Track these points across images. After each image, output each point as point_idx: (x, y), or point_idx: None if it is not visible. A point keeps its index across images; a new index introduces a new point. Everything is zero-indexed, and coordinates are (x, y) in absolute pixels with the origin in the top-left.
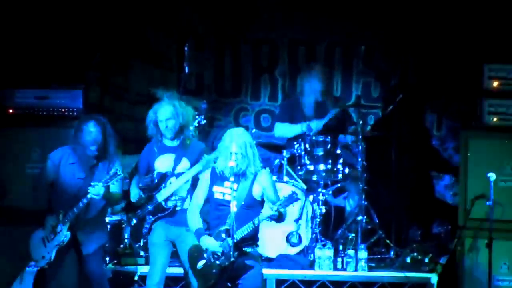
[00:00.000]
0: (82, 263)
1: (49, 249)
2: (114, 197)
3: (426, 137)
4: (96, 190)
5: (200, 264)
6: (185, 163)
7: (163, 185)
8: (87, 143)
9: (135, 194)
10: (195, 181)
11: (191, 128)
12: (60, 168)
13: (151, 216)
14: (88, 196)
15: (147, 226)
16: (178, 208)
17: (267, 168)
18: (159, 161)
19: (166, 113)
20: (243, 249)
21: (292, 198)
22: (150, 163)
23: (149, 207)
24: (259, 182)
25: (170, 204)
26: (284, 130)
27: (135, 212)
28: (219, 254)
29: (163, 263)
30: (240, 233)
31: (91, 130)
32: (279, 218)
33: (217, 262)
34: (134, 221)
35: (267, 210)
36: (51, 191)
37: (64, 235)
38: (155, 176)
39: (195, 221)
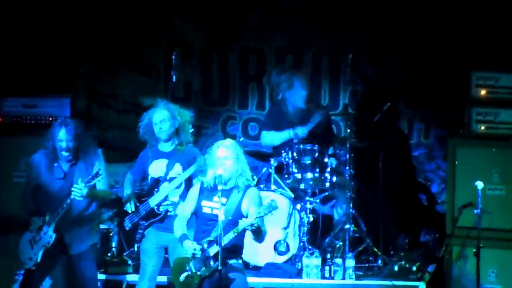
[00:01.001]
0: (72, 265)
1: (36, 251)
2: (100, 194)
3: (414, 145)
4: (78, 191)
5: (182, 276)
6: (177, 168)
7: (156, 190)
8: (59, 149)
9: (129, 195)
10: (188, 186)
11: (189, 132)
12: (41, 171)
13: (144, 221)
14: (71, 196)
15: (140, 231)
16: (170, 213)
17: (256, 188)
18: (152, 166)
19: (161, 115)
20: (226, 261)
21: (271, 206)
22: (145, 169)
23: (142, 213)
24: (248, 198)
25: (162, 209)
26: (270, 138)
27: (128, 217)
28: (199, 265)
29: (153, 271)
30: (223, 242)
31: (61, 138)
32: (258, 233)
33: (198, 273)
34: (129, 225)
35: (247, 219)
36: (36, 195)
37: (50, 236)
38: (149, 181)
39: (179, 229)
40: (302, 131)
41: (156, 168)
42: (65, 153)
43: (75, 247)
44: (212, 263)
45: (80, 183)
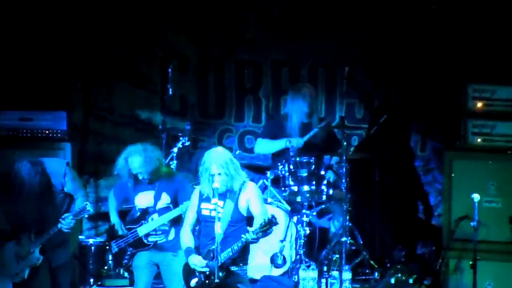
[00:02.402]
0: (52, 277)
1: (22, 267)
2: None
3: (410, 158)
4: (67, 223)
5: (193, 282)
6: (165, 198)
7: (144, 221)
8: (28, 186)
9: (115, 222)
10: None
11: (163, 165)
12: (16, 182)
13: (131, 248)
14: (59, 226)
15: (127, 257)
16: (160, 242)
17: (253, 182)
18: (139, 198)
19: (139, 166)
20: (231, 269)
21: (271, 223)
22: (129, 198)
23: (130, 240)
24: (244, 195)
25: (151, 239)
26: (264, 145)
27: (116, 241)
28: (207, 273)
29: (145, 285)
30: (224, 256)
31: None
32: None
33: (207, 281)
34: (116, 249)
35: (247, 235)
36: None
37: (37, 258)
38: (137, 210)
39: (186, 240)
40: (297, 141)
41: (143, 199)
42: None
43: (54, 260)
44: (217, 273)
45: (69, 216)
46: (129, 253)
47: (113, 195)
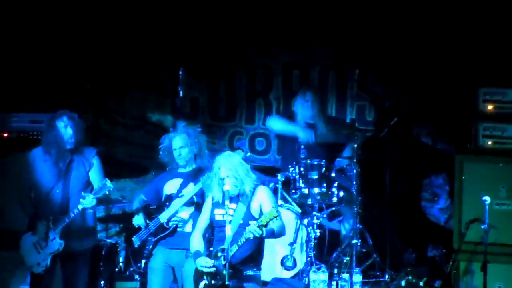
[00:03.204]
0: (67, 265)
1: (44, 257)
2: (104, 197)
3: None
4: (88, 202)
5: (201, 285)
6: (191, 187)
7: (167, 206)
8: (61, 139)
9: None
10: (198, 205)
11: (206, 156)
12: (36, 170)
13: (152, 237)
14: (80, 207)
15: (148, 248)
16: (179, 229)
17: (264, 186)
18: (167, 185)
19: (180, 141)
20: (244, 272)
21: (272, 215)
22: (159, 189)
23: (152, 229)
24: (257, 198)
25: (171, 223)
26: (278, 122)
27: (137, 234)
28: (214, 273)
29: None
30: (231, 250)
31: (65, 125)
32: (272, 236)
33: (213, 282)
34: (139, 242)
35: (250, 227)
36: (33, 195)
37: (59, 243)
38: (162, 199)
39: (195, 243)
40: (308, 136)
41: (171, 186)
42: (70, 140)
43: (74, 246)
44: (224, 272)
45: (89, 195)
46: (150, 243)
47: (141, 192)
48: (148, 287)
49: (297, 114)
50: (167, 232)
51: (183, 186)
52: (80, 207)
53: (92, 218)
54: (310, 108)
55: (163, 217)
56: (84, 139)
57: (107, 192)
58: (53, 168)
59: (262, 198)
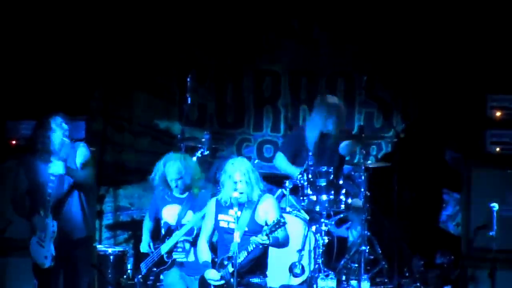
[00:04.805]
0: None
1: (48, 247)
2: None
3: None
4: (56, 166)
5: None
6: (189, 215)
7: (168, 237)
8: (53, 144)
9: (145, 243)
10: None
11: (201, 182)
12: (33, 175)
13: (155, 268)
14: (53, 173)
15: (152, 278)
16: (180, 260)
17: (270, 194)
18: (165, 211)
19: (176, 172)
20: (250, 280)
21: (279, 223)
22: (158, 211)
23: (155, 258)
24: (263, 207)
25: (174, 255)
26: (281, 163)
27: (145, 261)
28: (223, 283)
29: None
30: (241, 258)
31: (53, 130)
32: (276, 245)
33: None
34: (145, 270)
35: (258, 237)
36: (28, 198)
37: (52, 224)
38: (162, 225)
39: (203, 253)
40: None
41: (169, 214)
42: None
43: (67, 231)
44: (232, 280)
45: (57, 161)
46: (153, 273)
47: (148, 216)
48: None
49: (314, 121)
50: (166, 265)
51: (181, 215)
52: (53, 172)
53: (79, 203)
54: (335, 122)
55: (163, 249)
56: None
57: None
58: (47, 173)
59: (268, 207)
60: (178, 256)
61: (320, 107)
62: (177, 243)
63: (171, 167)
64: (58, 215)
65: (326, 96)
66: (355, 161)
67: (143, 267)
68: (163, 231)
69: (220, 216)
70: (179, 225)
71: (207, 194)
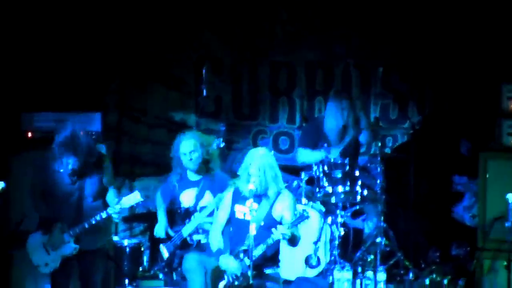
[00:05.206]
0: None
1: (54, 258)
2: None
3: (445, 158)
4: (113, 211)
5: (221, 285)
6: (208, 196)
7: (187, 220)
8: (75, 144)
9: (162, 227)
10: None
11: (217, 159)
12: (47, 174)
13: (179, 251)
14: (103, 215)
15: (177, 261)
16: (203, 242)
17: (289, 192)
18: (183, 196)
19: (190, 145)
20: (264, 270)
21: (302, 217)
22: (176, 198)
23: (177, 242)
24: (280, 203)
25: (195, 238)
26: (306, 156)
27: (166, 244)
28: (238, 275)
29: (202, 285)
30: (255, 254)
31: (68, 161)
32: (292, 240)
33: (236, 282)
34: (167, 255)
35: (279, 230)
36: (46, 197)
37: (73, 248)
38: (179, 210)
39: (216, 241)
40: (334, 153)
41: (187, 198)
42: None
43: (85, 245)
44: (249, 273)
45: (116, 205)
46: (178, 255)
47: (160, 196)
48: (190, 285)
49: (328, 117)
50: (192, 247)
51: (199, 197)
52: (103, 215)
53: (107, 220)
54: (346, 116)
55: (185, 231)
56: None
57: (134, 205)
58: (67, 171)
59: (286, 205)
60: (198, 238)
61: (335, 100)
62: (198, 226)
63: (185, 141)
64: (83, 240)
65: (338, 95)
66: (371, 152)
67: (164, 252)
68: (179, 216)
69: (237, 207)
70: (197, 206)
71: (225, 176)
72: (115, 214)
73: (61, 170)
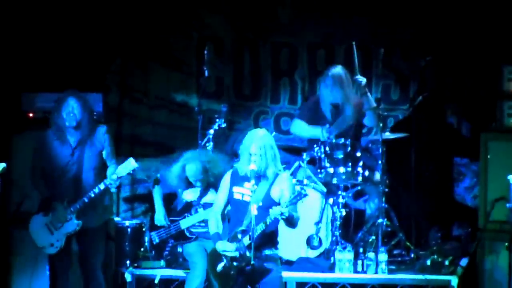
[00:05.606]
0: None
1: (58, 237)
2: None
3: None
4: (114, 184)
5: (220, 266)
6: (211, 195)
7: (188, 213)
8: (66, 120)
9: (160, 215)
10: None
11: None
12: (48, 151)
13: (173, 240)
14: (101, 186)
15: (168, 249)
16: (203, 232)
17: (288, 172)
18: (186, 193)
19: (198, 173)
20: (262, 251)
21: (300, 194)
22: (178, 193)
23: (173, 232)
24: (279, 184)
25: (194, 230)
26: (300, 128)
27: (158, 232)
28: (237, 256)
29: (203, 268)
30: (258, 229)
31: (71, 107)
32: (290, 220)
33: (235, 263)
34: (157, 240)
35: (277, 207)
36: (46, 175)
37: (76, 224)
38: (182, 202)
39: (214, 225)
40: (330, 132)
41: (190, 194)
42: (72, 123)
43: (86, 223)
44: (247, 253)
45: (113, 176)
46: (170, 245)
47: (159, 189)
48: (193, 272)
49: (321, 96)
50: (189, 241)
51: (203, 193)
52: (101, 186)
53: (108, 196)
54: (330, 93)
55: (184, 224)
56: (92, 118)
57: (131, 172)
58: (65, 148)
59: (284, 186)
60: (199, 230)
61: (325, 80)
62: (200, 222)
63: (192, 170)
64: (84, 216)
65: (329, 67)
66: (372, 133)
67: (156, 237)
68: (180, 206)
69: (235, 188)
70: (199, 202)
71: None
72: (113, 183)
73: (66, 123)
